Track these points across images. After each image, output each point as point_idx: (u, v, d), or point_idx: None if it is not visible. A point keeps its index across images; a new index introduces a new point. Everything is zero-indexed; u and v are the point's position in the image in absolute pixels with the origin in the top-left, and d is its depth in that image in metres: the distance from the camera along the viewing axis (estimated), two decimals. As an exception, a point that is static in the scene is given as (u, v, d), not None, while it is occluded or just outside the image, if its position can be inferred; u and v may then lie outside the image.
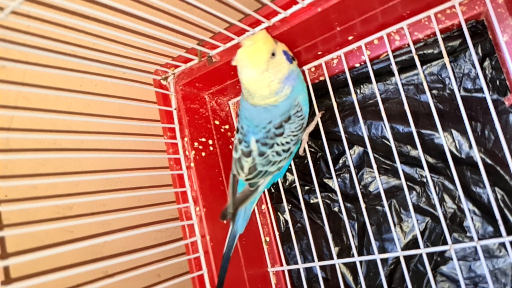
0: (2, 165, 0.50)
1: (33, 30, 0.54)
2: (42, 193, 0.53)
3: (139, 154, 0.67)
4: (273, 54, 0.50)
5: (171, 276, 0.66)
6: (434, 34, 0.60)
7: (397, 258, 0.63)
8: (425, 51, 0.62)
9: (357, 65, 0.67)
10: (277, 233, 0.75)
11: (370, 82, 0.67)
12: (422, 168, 0.62)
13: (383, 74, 0.67)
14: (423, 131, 0.62)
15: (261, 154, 0.59)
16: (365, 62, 0.66)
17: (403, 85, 0.65)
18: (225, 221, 0.67)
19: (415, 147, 0.63)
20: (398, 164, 0.60)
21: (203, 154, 0.70)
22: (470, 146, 0.59)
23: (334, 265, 0.67)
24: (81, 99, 0.61)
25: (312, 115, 0.68)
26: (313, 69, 0.70)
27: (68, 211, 0.56)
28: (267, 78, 0.50)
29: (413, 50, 0.60)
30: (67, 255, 0.53)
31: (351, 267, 0.67)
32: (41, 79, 0.56)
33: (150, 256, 0.62)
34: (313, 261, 0.67)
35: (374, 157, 0.65)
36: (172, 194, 0.69)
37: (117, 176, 0.62)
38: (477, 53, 0.58)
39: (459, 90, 0.60)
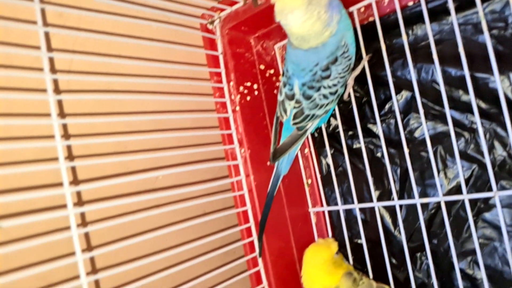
0: (65, 105, 0.56)
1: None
2: (99, 131, 0.58)
3: (186, 97, 0.70)
4: None
5: (216, 210, 0.71)
6: (499, -34, 0.54)
7: (438, 203, 0.62)
8: (487, -14, 0.56)
9: (410, 3, 0.63)
10: (318, 176, 0.77)
11: (423, 22, 0.63)
12: (473, 113, 0.59)
13: (439, 13, 0.62)
14: (477, 74, 0.59)
15: (308, 97, 0.59)
16: (419, 0, 0.61)
17: (459, 24, 0.60)
18: (268, 163, 0.70)
19: (467, 92, 0.59)
20: (447, 110, 0.57)
21: (248, 98, 0.71)
22: (529, 91, 0.55)
23: (373, 208, 0.68)
24: (131, 44, 0.64)
25: (359, 59, 0.66)
26: (362, 9, 0.67)
27: (123, 148, 0.61)
28: (314, 10, 0.49)
29: (473, -15, 0.55)
30: (124, 186, 0.59)
31: (391, 210, 0.68)
32: (94, 24, 0.59)
33: (197, 192, 0.67)
34: (353, 203, 0.69)
35: (422, 102, 0.63)
36: (217, 136, 0.72)
37: (165, 117, 0.66)
38: (548, -14, 0.53)
39: (523, 30, 0.55)
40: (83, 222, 0.53)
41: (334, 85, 0.58)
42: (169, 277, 0.61)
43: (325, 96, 0.59)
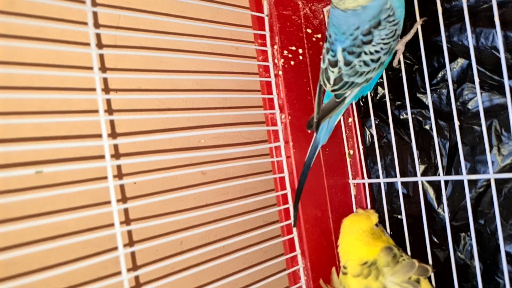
0: (111, 60, 0.58)
1: None
2: (144, 86, 0.60)
3: (230, 59, 0.70)
4: None
5: (255, 172, 0.72)
6: None
7: (488, 181, 0.58)
8: None
9: (474, -40, 0.57)
10: (361, 147, 0.74)
11: (488, -18, 0.57)
12: (537, 84, 0.53)
13: (506, -29, 0.56)
14: (546, 40, 0.52)
15: (348, 63, 0.56)
16: (484, -44, 0.55)
17: (531, -16, 0.54)
18: (309, 131, 0.68)
19: (532, 60, 0.53)
20: (506, 80, 0.52)
21: (292, 63, 0.70)
22: None
23: (416, 182, 0.64)
24: (178, 3, 0.64)
25: (412, 23, 0.62)
26: (419, -32, 0.62)
27: (165, 106, 0.63)
28: None
29: None
30: (164, 143, 0.61)
31: (435, 186, 0.64)
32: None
33: (236, 154, 0.68)
34: (396, 177, 0.66)
35: (479, 71, 0.58)
36: (258, 99, 0.72)
37: (208, 78, 0.67)
38: None
39: None
40: (119, 174, 0.56)
41: (377, 51, 0.55)
42: (204, 234, 0.64)
43: (365, 63, 0.55)
